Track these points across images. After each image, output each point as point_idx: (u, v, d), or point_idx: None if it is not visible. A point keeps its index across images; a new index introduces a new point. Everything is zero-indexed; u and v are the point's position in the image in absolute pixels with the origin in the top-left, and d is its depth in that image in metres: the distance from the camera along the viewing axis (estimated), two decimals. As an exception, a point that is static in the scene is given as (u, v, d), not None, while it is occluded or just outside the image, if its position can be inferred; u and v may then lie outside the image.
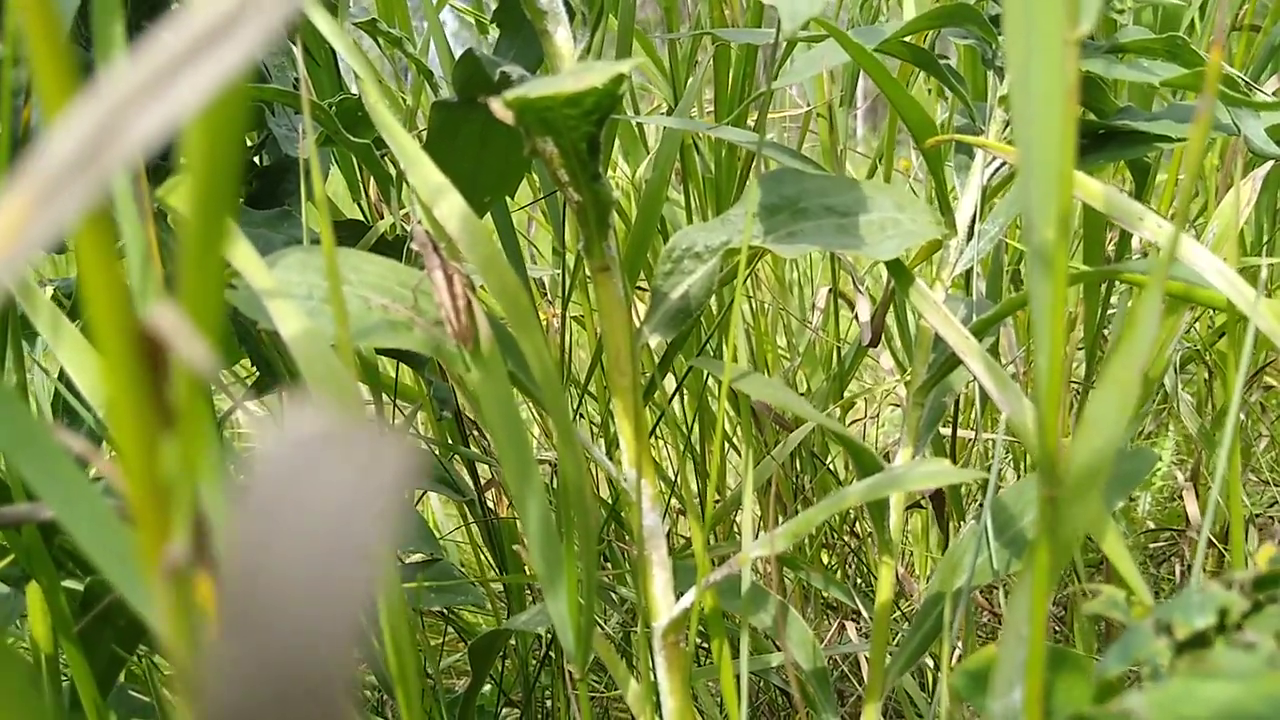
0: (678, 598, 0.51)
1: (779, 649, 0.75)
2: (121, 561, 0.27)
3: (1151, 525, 1.15)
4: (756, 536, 0.52)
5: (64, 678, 0.57)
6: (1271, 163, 0.60)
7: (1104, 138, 0.58)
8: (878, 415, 1.30)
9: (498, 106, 0.40)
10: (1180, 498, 1.09)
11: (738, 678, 0.52)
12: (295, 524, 0.11)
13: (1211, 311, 1.05)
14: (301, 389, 0.56)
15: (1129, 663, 0.32)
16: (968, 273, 0.69)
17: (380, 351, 0.82)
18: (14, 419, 0.26)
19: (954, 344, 0.48)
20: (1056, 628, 1.11)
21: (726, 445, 1.12)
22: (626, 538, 0.95)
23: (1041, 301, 0.29)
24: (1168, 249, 0.27)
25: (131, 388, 0.17)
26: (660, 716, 0.52)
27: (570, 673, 0.86)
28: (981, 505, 0.91)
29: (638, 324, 0.53)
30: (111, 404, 0.17)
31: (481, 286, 0.54)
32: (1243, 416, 1.09)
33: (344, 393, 0.37)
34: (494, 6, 0.65)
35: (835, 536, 1.18)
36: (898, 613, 1.09)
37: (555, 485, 0.96)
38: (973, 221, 0.58)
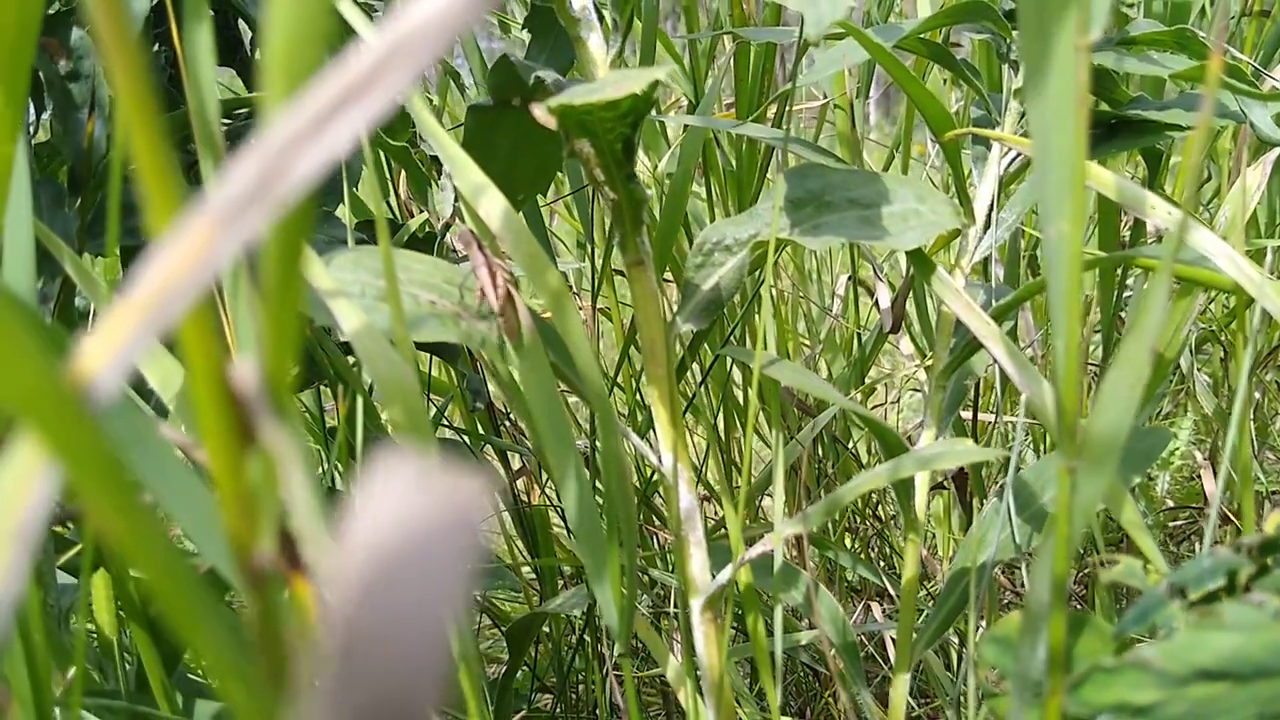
0: (713, 576, 0.53)
1: (806, 629, 0.77)
2: (221, 548, 0.29)
3: (1171, 504, 1.17)
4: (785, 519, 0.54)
5: (128, 663, 0.60)
6: (1278, 150, 0.62)
7: (1116, 126, 0.59)
8: (898, 401, 1.32)
9: (540, 112, 0.42)
10: (1199, 477, 1.10)
11: (772, 654, 0.54)
12: (393, 573, 0.13)
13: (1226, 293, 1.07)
14: (355, 385, 0.58)
15: (1145, 624, 0.34)
16: (986, 259, 0.71)
17: (416, 345, 0.84)
18: (124, 413, 0.29)
19: (975, 329, 0.51)
20: (1079, 606, 1.12)
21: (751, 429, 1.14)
22: (657, 522, 0.97)
23: (1059, 290, 0.31)
24: (1175, 236, 0.29)
25: (218, 416, 0.19)
26: (699, 692, 0.54)
27: (603, 655, 0.89)
28: (1003, 486, 0.93)
29: (669, 315, 0.55)
30: (202, 427, 0.20)
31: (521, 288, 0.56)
32: (1259, 396, 1.10)
33: (404, 386, 0.39)
34: (516, 8, 0.67)
35: (859, 520, 1.20)
36: (923, 591, 1.11)
37: (590, 473, 0.98)
38: (990, 210, 0.60)
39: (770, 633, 0.58)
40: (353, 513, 0.13)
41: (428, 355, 0.98)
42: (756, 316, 0.97)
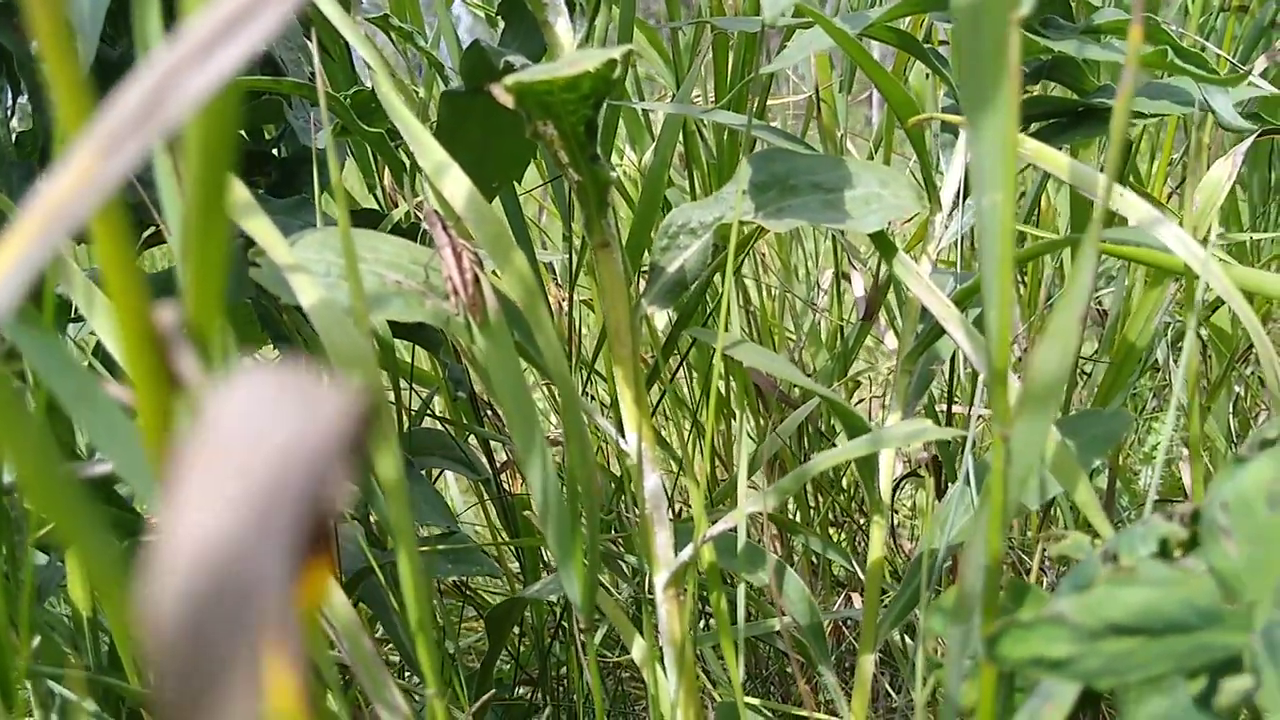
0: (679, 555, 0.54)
1: (782, 617, 0.78)
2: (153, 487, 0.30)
3: (1157, 498, 1.18)
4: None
5: (104, 640, 0.61)
6: (1251, 139, 0.62)
7: (1082, 115, 0.60)
8: (883, 395, 1.32)
9: (500, 92, 0.43)
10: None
11: (734, 629, 0.55)
12: (242, 457, 0.13)
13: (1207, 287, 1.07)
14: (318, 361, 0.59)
15: (1080, 589, 0.35)
16: (962, 247, 0.72)
17: (396, 335, 0.85)
18: (71, 373, 0.29)
19: (936, 312, 0.51)
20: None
21: (733, 422, 1.15)
22: (635, 509, 0.98)
23: (991, 258, 0.32)
24: (1100, 204, 0.29)
25: (146, 364, 0.20)
26: (664, 669, 0.55)
27: (583, 642, 0.89)
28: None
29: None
30: (132, 372, 0.20)
31: (493, 271, 0.57)
32: (1239, 390, 1.11)
33: (361, 358, 0.40)
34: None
35: (844, 515, 1.21)
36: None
37: (565, 462, 0.99)
38: (958, 197, 0.60)
39: (736, 617, 0.59)
40: (205, 418, 0.13)
41: (412, 345, 0.99)
42: (736, 303, 0.98)
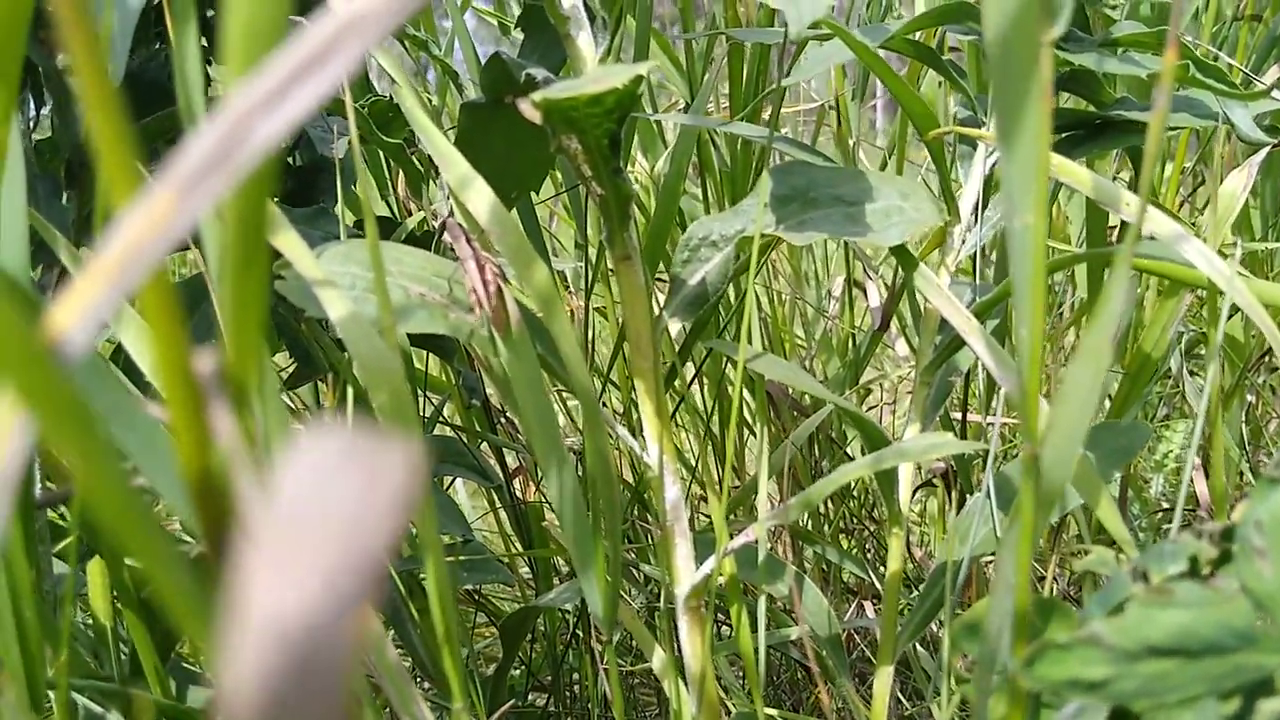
0: (699, 568, 0.54)
1: (798, 623, 0.78)
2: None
3: (1166, 506, 1.18)
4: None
5: (124, 651, 0.61)
6: (1266, 150, 0.62)
7: (1101, 127, 0.60)
8: (894, 403, 1.32)
9: (526, 107, 0.43)
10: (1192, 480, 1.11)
11: (756, 651, 0.55)
12: (311, 528, 0.14)
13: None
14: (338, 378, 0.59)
15: (1109, 608, 0.35)
16: (983, 257, 0.72)
17: (412, 343, 0.85)
18: (109, 389, 0.29)
19: (956, 324, 0.51)
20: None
21: (745, 430, 1.15)
22: (650, 518, 0.98)
23: (1023, 279, 0.32)
24: (1134, 226, 0.30)
25: (186, 407, 0.20)
26: (684, 681, 0.55)
27: (596, 651, 0.89)
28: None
29: (658, 310, 0.56)
30: (172, 419, 0.21)
31: (510, 281, 0.57)
32: (1251, 399, 1.11)
33: (388, 372, 0.40)
34: (517, 10, 0.68)
35: (855, 522, 1.21)
36: (916, 592, 1.11)
37: (582, 471, 0.99)
38: (976, 208, 0.61)
39: (757, 629, 0.59)
40: (272, 482, 0.14)
41: (426, 353, 0.99)
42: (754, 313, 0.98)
